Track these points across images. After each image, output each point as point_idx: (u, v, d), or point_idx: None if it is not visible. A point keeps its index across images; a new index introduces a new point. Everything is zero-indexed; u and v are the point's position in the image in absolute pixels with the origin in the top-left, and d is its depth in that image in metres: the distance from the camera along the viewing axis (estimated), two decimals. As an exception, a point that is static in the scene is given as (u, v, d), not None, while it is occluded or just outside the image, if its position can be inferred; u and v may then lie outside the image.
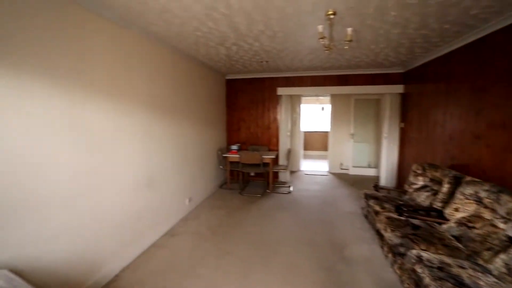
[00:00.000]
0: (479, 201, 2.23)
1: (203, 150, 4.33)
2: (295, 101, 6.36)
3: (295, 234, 3.02)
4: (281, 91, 5.21)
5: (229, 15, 2.30)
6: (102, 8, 2.06)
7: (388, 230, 2.31)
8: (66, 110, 1.80)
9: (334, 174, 6.16)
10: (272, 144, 5.40)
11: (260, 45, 3.19)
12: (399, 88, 4.65)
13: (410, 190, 3.32)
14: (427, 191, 3.05)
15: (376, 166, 5.94)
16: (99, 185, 2.11)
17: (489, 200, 2.14)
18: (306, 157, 8.39)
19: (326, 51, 2.47)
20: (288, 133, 5.38)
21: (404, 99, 4.64)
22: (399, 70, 4.65)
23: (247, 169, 4.56)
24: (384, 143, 4.89)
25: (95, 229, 2.07)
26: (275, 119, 5.35)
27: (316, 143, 9.07)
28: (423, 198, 3.01)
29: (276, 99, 5.30)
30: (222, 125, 5.37)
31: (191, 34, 2.77)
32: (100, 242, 2.13)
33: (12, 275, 1.34)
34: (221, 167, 4.90)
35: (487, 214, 2.14)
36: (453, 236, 2.25)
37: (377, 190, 3.51)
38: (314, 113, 9.57)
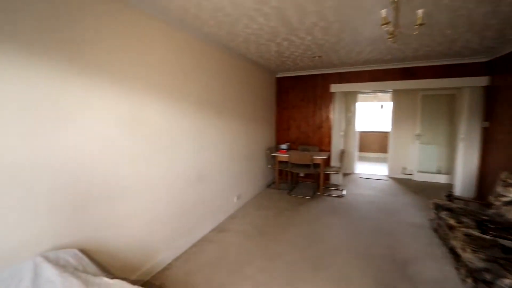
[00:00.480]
0: None
1: (252, 148, 4.33)
2: (350, 99, 5.92)
3: (347, 243, 2.76)
4: (334, 88, 4.89)
5: (280, 8, 2.20)
6: (160, 12, 2.19)
7: (468, 250, 1.91)
8: (130, 111, 1.96)
9: (394, 179, 5.53)
10: (323, 144, 5.12)
11: (312, 38, 3.01)
12: (482, 81, 3.89)
13: (497, 203, 2.72)
14: (523, 206, 2.45)
15: (449, 172, 5.11)
16: (156, 179, 2.26)
17: None
18: (361, 159, 7.76)
19: (390, 40, 2.16)
20: (342, 133, 5.03)
21: (490, 93, 3.86)
22: (482, 59, 3.89)
23: (297, 170, 4.41)
24: (461, 146, 4.16)
25: (151, 220, 2.22)
26: (328, 118, 5.06)
27: (373, 144, 8.33)
28: (516, 215, 2.43)
29: (329, 96, 5.00)
30: (271, 124, 5.32)
31: (241, 32, 2.77)
32: (155, 232, 2.27)
33: (80, 254, 1.49)
34: (269, 166, 4.85)
35: None
36: None
37: (450, 200, 2.98)
38: (372, 111, 8.79)
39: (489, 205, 2.80)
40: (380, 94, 8.10)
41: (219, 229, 3.10)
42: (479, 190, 3.99)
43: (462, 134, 4.12)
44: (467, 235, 2.07)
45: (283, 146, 4.94)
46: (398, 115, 5.63)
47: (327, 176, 5.08)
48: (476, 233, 2.10)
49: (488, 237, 2.03)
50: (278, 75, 5.32)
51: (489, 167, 3.77)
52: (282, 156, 4.53)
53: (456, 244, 2.07)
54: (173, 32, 2.40)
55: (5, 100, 1.28)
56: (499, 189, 2.75)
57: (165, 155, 2.35)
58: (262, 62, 4.25)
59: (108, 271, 1.71)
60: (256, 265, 2.36)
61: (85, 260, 1.49)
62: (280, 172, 5.09)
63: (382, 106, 8.61)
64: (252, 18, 2.40)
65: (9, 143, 1.30)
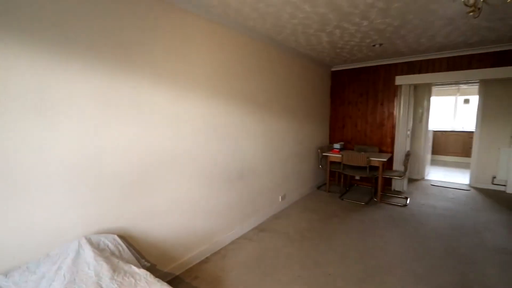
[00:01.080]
0: None
1: (302, 147, 4.12)
2: (421, 92, 5.07)
3: (405, 263, 2.34)
4: (400, 80, 4.25)
5: (327, -9, 1.97)
6: (201, 9, 2.21)
7: None
8: (167, 106, 2.05)
9: (479, 189, 4.51)
10: (385, 145, 4.52)
11: (369, 23, 2.64)
12: None
13: None
14: None
15: None
16: (197, 173, 2.32)
17: None
18: (436, 163, 6.64)
19: (471, 14, 1.70)
20: (408, 132, 4.35)
21: None
22: None
23: (350, 172, 4.00)
24: None
25: (191, 213, 2.30)
26: (391, 115, 4.44)
27: (452, 146, 7.02)
28: None
29: (393, 90, 4.38)
30: (325, 121, 4.97)
31: (287, 22, 2.61)
32: (195, 226, 2.34)
33: (119, 240, 1.62)
34: (320, 166, 4.54)
35: None
36: None
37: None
38: (453, 107, 7.41)
39: None
40: (464, 87, 6.77)
41: (260, 228, 3.04)
42: None
43: None
44: None
45: (336, 146, 4.56)
46: (486, 112, 4.55)
47: (387, 181, 4.48)
48: None
49: None
50: (333, 69, 4.92)
51: None
52: (334, 156, 4.18)
53: None
54: (216, 28, 2.41)
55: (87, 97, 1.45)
56: None
57: (204, 150, 2.39)
58: (314, 55, 3.98)
59: (144, 258, 1.82)
60: (292, 271, 2.20)
61: (123, 246, 1.60)
62: (333, 174, 4.73)
63: (467, 101, 7.18)
64: (297, 6, 2.22)
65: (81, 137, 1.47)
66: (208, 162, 2.43)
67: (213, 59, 2.40)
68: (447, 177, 5.30)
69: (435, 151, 6.96)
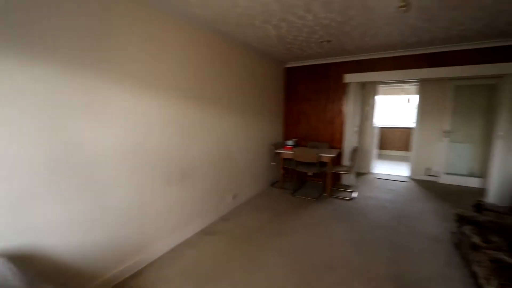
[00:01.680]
0: None
1: (254, 144, 4.02)
2: (369, 91, 5.33)
3: (347, 257, 2.37)
4: (349, 78, 4.38)
5: (264, -23, 1.84)
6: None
7: (494, 283, 1.46)
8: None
9: (417, 181, 4.91)
10: (335, 141, 4.65)
11: (314, 18, 2.59)
12: (530, 66, 3.19)
13: (543, 219, 2.17)
14: None
15: (483, 175, 4.40)
16: (128, 174, 2.04)
17: None
18: (382, 157, 7.11)
19: (401, 9, 1.71)
20: (356, 129, 4.52)
21: (540, 82, 3.15)
22: (533, 39, 3.18)
23: (302, 168, 4.02)
24: (498, 145, 3.50)
25: (121, 220, 2.01)
26: (341, 112, 4.56)
27: (396, 141, 7.60)
28: None
29: (342, 88, 4.49)
30: (279, 118, 4.94)
31: (231, 11, 2.43)
32: (126, 234, 2.07)
33: (9, 265, 1.30)
34: (273, 163, 4.50)
35: None
36: None
37: (479, 211, 2.45)
38: (397, 105, 8.01)
39: (532, 221, 2.24)
40: (407, 86, 7.32)
41: (205, 231, 2.85)
42: (521, 199, 3.33)
43: (501, 131, 3.45)
44: (495, 261, 1.60)
45: (289, 142, 4.56)
46: (424, 109, 4.95)
47: (338, 176, 4.62)
48: (507, 258, 1.62)
49: (525, 267, 1.55)
50: (287, 65, 4.90)
51: (534, 172, 3.11)
52: (286, 153, 4.16)
53: (480, 272, 1.61)
54: (153, 12, 2.13)
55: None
56: (547, 202, 2.18)
57: (142, 149, 2.12)
58: (266, 50, 3.87)
59: (48, 281, 1.52)
60: (233, 278, 2.07)
61: (13, 269, 1.29)
62: (287, 170, 4.72)
63: (409, 100, 7.81)
64: (235, -8, 2.05)
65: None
66: (144, 162, 2.16)
67: (149, 47, 2.12)
68: (391, 170, 5.69)
69: (382, 146, 7.46)
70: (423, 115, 4.98)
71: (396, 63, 4.05)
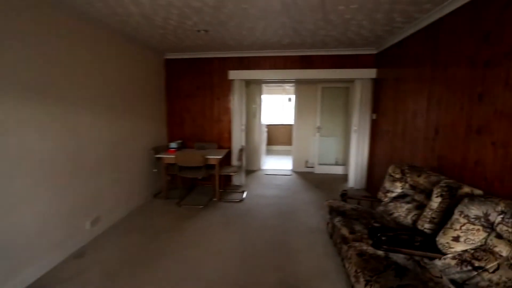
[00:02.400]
0: (489, 227, 1.49)
1: (130, 149, 3.24)
2: (255, 90, 5.42)
3: (235, 272, 2.11)
4: (233, 74, 4.23)
5: None
6: None
7: (361, 279, 1.48)
8: None
9: (298, 173, 5.38)
10: (223, 140, 4.43)
11: (181, -4, 2.16)
12: (371, 73, 3.91)
13: (386, 199, 2.58)
14: (408, 203, 2.32)
15: (345, 163, 5.26)
16: None
17: (506, 228, 1.40)
18: (270, 153, 7.57)
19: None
20: (243, 127, 4.45)
21: (377, 85, 3.92)
22: (372, 51, 3.91)
23: (186, 173, 3.55)
24: (354, 138, 4.17)
25: None
26: (228, 110, 4.37)
27: (282, 137, 8.30)
28: (402, 213, 2.27)
29: (228, 85, 4.30)
30: (162, 117, 4.28)
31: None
32: None
33: None
34: (155, 170, 3.83)
35: (503, 249, 1.40)
36: (453, 281, 1.49)
37: (345, 200, 2.73)
38: (281, 104, 8.76)
39: (379, 201, 2.64)
40: (287, 87, 8.06)
41: (44, 281, 1.95)
42: (369, 181, 4.08)
43: (355, 126, 4.13)
44: (360, 254, 1.67)
45: (173, 145, 4.00)
46: (300, 108, 5.46)
47: (228, 177, 4.43)
48: (369, 249, 1.73)
49: (380, 252, 1.68)
50: (167, 56, 4.29)
51: (377, 158, 3.85)
52: (169, 157, 3.59)
53: (350, 268, 1.65)
54: None
55: None
56: (387, 184, 2.61)
57: None
58: (138, 37, 3.17)
59: None
60: None
61: None
62: (173, 177, 4.14)
63: (289, 99, 8.67)
64: None
65: None
66: None
67: None
68: (278, 165, 6.06)
69: (270, 142, 7.95)
70: (299, 113, 5.49)
71: (275, 63, 4.19)
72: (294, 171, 5.51)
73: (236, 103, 4.29)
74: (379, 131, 3.75)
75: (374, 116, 3.92)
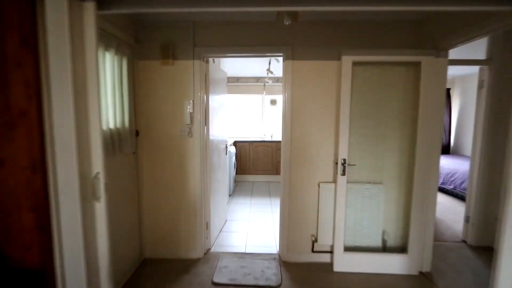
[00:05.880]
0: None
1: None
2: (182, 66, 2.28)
3: None
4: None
5: None
6: None
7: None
8: None
9: (292, 267, 2.28)
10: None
11: None
12: None
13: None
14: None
15: (405, 245, 2.20)
16: None
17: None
18: (241, 188, 4.45)
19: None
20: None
21: None
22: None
23: None
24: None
25: None
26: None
27: (261, 161, 5.27)
28: None
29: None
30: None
31: None
32: None
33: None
34: None
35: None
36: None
37: None
38: (258, 109, 5.74)
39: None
40: (270, 82, 5.08)
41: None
42: None
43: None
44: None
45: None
46: (297, 115, 2.39)
47: None
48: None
49: None
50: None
51: None
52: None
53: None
54: None
55: None
56: None
57: None
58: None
59: None
60: None
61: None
62: None
63: (273, 101, 5.71)
64: None
65: None
66: None
67: None
68: (250, 235, 2.90)
69: (242, 170, 4.84)
70: (296, 122, 2.41)
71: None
72: (283, 260, 2.37)
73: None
74: None
75: None
